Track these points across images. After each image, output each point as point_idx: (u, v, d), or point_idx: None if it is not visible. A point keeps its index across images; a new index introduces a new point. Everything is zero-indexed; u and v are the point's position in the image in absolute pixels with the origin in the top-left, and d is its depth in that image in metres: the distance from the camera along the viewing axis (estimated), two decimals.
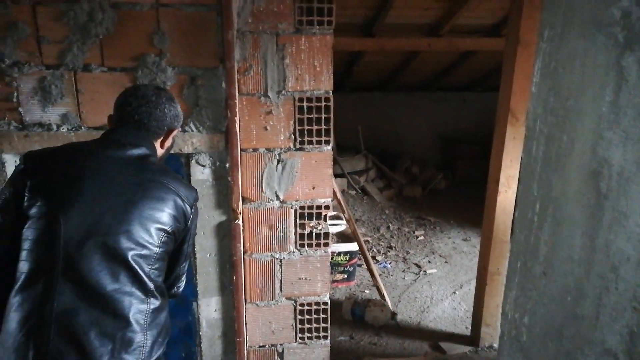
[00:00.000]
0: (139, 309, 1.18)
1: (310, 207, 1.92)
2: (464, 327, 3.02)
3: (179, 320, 2.04)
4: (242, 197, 1.87)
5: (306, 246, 1.96)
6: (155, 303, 1.22)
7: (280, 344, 2.07)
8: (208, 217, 1.88)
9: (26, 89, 1.67)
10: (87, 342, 1.13)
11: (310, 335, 2.07)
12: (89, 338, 1.13)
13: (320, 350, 2.11)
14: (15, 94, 1.67)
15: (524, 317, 0.79)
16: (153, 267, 1.22)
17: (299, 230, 1.94)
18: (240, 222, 1.87)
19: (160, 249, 1.23)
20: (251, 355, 2.06)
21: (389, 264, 3.94)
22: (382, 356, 2.63)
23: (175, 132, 1.41)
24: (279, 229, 1.93)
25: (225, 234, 1.90)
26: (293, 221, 1.93)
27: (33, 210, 1.16)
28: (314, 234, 1.95)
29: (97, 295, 1.15)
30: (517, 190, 0.79)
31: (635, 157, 0.58)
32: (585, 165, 0.67)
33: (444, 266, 3.93)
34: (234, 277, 1.92)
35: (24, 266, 1.14)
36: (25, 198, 1.17)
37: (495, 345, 2.79)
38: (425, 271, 3.81)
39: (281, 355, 2.08)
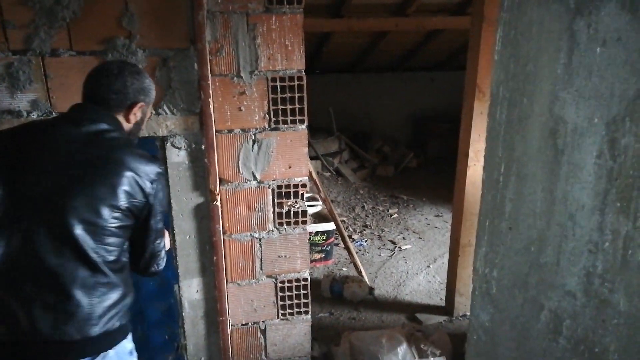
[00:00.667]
0: (83, 283, 1.22)
1: (287, 186, 1.96)
2: (438, 299, 3.13)
3: (161, 303, 2.07)
4: (220, 178, 1.88)
5: (285, 225, 2.00)
6: (103, 279, 1.24)
7: (263, 321, 2.12)
8: (186, 200, 1.89)
9: None
10: (30, 312, 1.19)
11: (291, 311, 2.13)
12: (32, 309, 1.19)
13: (302, 325, 2.17)
14: None
15: (492, 271, 0.85)
16: (103, 243, 1.23)
17: (277, 209, 1.98)
18: (218, 203, 1.89)
19: (111, 225, 1.23)
20: (234, 333, 2.10)
21: (365, 242, 4.03)
22: (361, 329, 2.71)
23: (141, 106, 1.36)
24: (257, 208, 1.96)
25: (204, 216, 1.92)
26: (271, 200, 1.97)
27: None
28: (291, 212, 1.99)
29: (41, 270, 1.20)
30: (484, 154, 0.84)
31: (586, 113, 0.64)
32: (544, 125, 0.73)
33: (417, 242, 4.04)
34: (215, 258, 1.95)
35: None
36: None
37: (469, 314, 2.91)
38: (400, 247, 3.91)
39: (264, 332, 2.13)
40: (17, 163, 1.23)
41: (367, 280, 3.24)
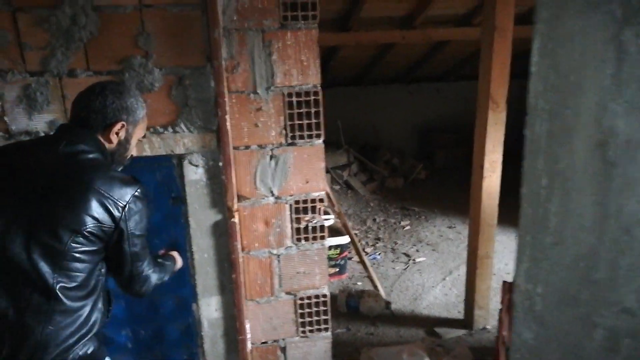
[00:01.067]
0: (37, 310, 1.18)
1: (305, 201, 1.94)
2: (456, 312, 3.08)
3: (179, 323, 2.04)
4: (237, 194, 1.87)
5: (303, 240, 1.98)
6: (61, 306, 1.19)
7: (283, 339, 2.08)
8: (204, 217, 1.88)
9: (10, 97, 1.64)
10: None
11: (311, 328, 2.09)
12: None
13: (322, 342, 2.13)
14: (0, 103, 1.63)
15: (537, 287, 0.83)
16: (63, 269, 1.19)
17: (294, 225, 1.96)
18: (236, 220, 1.87)
19: (73, 250, 1.19)
20: (254, 352, 2.07)
21: (379, 255, 3.99)
22: (380, 345, 2.67)
23: (122, 125, 1.32)
24: (275, 224, 1.94)
25: (222, 233, 1.90)
26: (288, 216, 1.95)
27: None
28: (309, 227, 1.97)
29: (1, 292, 1.18)
30: (523, 167, 0.82)
31: None
32: (591, 137, 0.70)
33: (432, 254, 3.99)
34: (233, 276, 1.92)
35: None
36: None
37: (489, 327, 2.86)
38: (414, 260, 3.87)
39: (284, 350, 2.10)
40: (0, 182, 1.24)
41: (383, 294, 3.20)
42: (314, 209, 1.95)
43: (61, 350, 1.19)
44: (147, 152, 1.76)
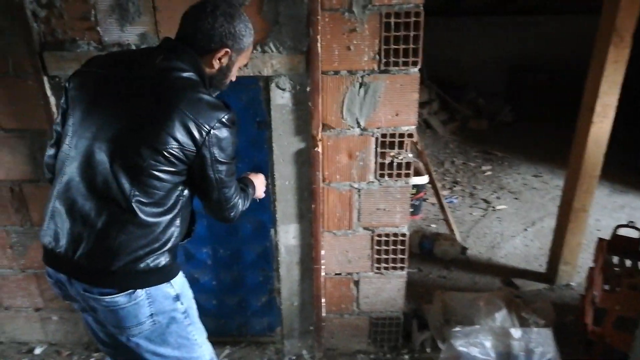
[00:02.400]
0: (112, 218, 1.18)
1: (392, 135, 1.82)
2: (537, 265, 2.91)
3: (256, 246, 2.07)
4: (322, 123, 1.78)
5: (386, 176, 1.88)
6: (135, 218, 1.18)
7: (357, 273, 2.06)
8: (287, 144, 1.82)
9: (103, 6, 1.61)
10: (68, 229, 1.21)
11: (386, 265, 2.05)
12: (71, 226, 1.21)
13: (396, 280, 2.09)
14: (93, 12, 1.62)
15: None
16: (141, 183, 1.17)
17: (379, 160, 1.86)
18: (319, 149, 1.80)
19: (152, 168, 1.16)
20: (327, 282, 2.07)
21: (456, 199, 3.83)
22: (453, 289, 2.60)
23: (226, 52, 1.26)
24: (358, 157, 1.85)
25: (304, 162, 1.85)
26: (373, 150, 1.84)
27: (68, 120, 1.26)
28: (394, 163, 1.86)
29: (83, 194, 1.20)
30: None
31: None
32: None
33: (513, 202, 3.77)
34: (313, 206, 1.88)
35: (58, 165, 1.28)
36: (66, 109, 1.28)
37: (573, 283, 2.69)
38: (494, 207, 3.67)
39: (357, 283, 2.08)
40: (98, 90, 1.23)
41: (459, 238, 3.08)
42: (401, 145, 1.83)
43: (132, 259, 1.20)
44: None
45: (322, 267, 2.01)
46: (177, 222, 1.26)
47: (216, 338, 2.23)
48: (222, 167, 1.24)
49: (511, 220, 3.48)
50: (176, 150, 1.16)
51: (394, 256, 2.03)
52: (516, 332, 2.11)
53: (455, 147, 4.99)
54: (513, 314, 2.21)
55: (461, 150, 4.90)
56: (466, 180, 4.19)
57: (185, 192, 1.27)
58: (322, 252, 1.98)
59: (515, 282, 2.72)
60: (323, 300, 2.08)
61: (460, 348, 2.13)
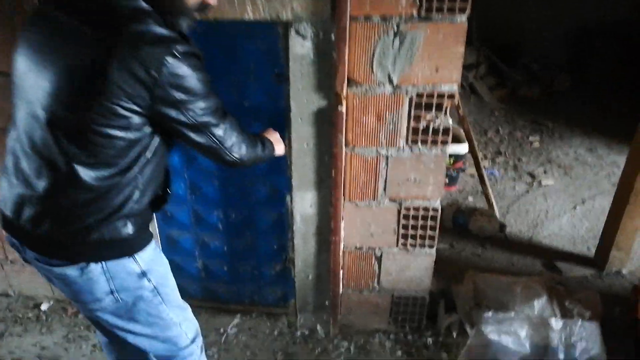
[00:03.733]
0: (56, 182, 1.03)
1: (430, 95, 1.57)
2: (584, 248, 2.63)
3: (271, 212, 1.91)
4: (348, 78, 1.55)
5: (420, 142, 1.65)
6: (79, 182, 1.01)
7: (379, 248, 1.87)
8: (307, 101, 1.61)
9: None
10: (10, 197, 1.10)
11: (413, 242, 1.84)
12: (11, 191, 1.09)
13: (423, 258, 1.88)
14: None
15: None
16: (83, 142, 1.00)
17: (412, 123, 1.62)
18: (343, 109, 1.58)
19: (93, 123, 0.97)
20: (346, 255, 1.89)
21: (497, 171, 3.53)
22: (487, 270, 2.37)
23: None
24: (388, 119, 1.62)
25: (325, 122, 1.64)
26: (406, 111, 1.61)
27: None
28: (430, 128, 1.62)
29: (22, 155, 1.07)
30: None
31: None
32: None
33: (562, 178, 3.43)
34: (333, 172, 1.68)
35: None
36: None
37: (624, 271, 2.40)
38: (539, 182, 3.36)
39: (379, 259, 1.89)
40: (42, 31, 1.04)
41: (497, 214, 2.82)
42: (439, 107, 1.59)
43: (81, 228, 1.05)
44: (249, 16, 1.48)
45: (341, 239, 1.83)
46: (138, 184, 1.08)
47: (227, 306, 2.15)
48: (195, 107, 1.04)
49: (558, 197, 3.17)
50: (124, 100, 0.96)
51: (423, 232, 1.82)
52: (556, 323, 1.89)
53: (501, 116, 4.61)
54: (554, 302, 1.97)
55: (508, 119, 4.52)
56: (511, 151, 3.85)
57: (151, 148, 1.08)
58: (342, 224, 1.80)
59: (558, 266, 2.46)
60: (341, 274, 1.91)
61: (491, 336, 1.93)
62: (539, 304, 1.97)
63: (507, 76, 5.21)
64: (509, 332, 1.93)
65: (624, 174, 2.29)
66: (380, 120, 1.62)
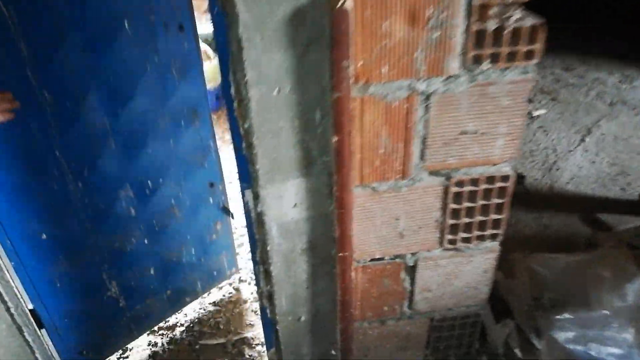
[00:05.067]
0: None
1: None
2: (617, 188, 2.08)
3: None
4: None
5: (488, 60, 0.88)
6: None
7: (412, 253, 1.12)
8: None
9: None
10: None
11: (468, 235, 1.11)
12: None
13: (482, 257, 1.17)
14: None
15: None
16: None
17: (474, 24, 0.84)
18: (348, 5, 0.76)
19: None
20: (358, 275, 1.12)
21: None
22: (522, 241, 1.74)
23: None
24: (431, 21, 0.83)
25: (312, 39, 0.81)
26: (464, 3, 0.82)
27: None
28: (503, 31, 0.85)
29: None
30: None
31: None
32: None
33: (553, 105, 2.87)
34: (335, 138, 0.87)
35: None
36: None
37: None
38: (530, 114, 2.77)
39: (411, 270, 1.15)
40: None
41: None
42: None
43: None
44: None
45: (353, 252, 1.05)
46: None
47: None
48: None
49: (558, 128, 2.60)
50: None
51: (484, 217, 1.09)
52: None
53: None
54: None
55: None
56: None
57: None
58: (354, 226, 1.01)
59: (602, 218, 1.87)
60: (351, 304, 1.15)
61: (573, 346, 1.30)
62: (635, 288, 1.35)
63: None
64: (602, 339, 1.30)
65: None
66: (415, 23, 0.83)
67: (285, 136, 0.89)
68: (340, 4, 0.75)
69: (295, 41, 0.80)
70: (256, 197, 0.98)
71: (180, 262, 1.77)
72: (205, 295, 1.92)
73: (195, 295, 1.89)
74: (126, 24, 1.35)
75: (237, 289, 1.92)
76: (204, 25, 4.04)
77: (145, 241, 1.64)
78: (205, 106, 1.63)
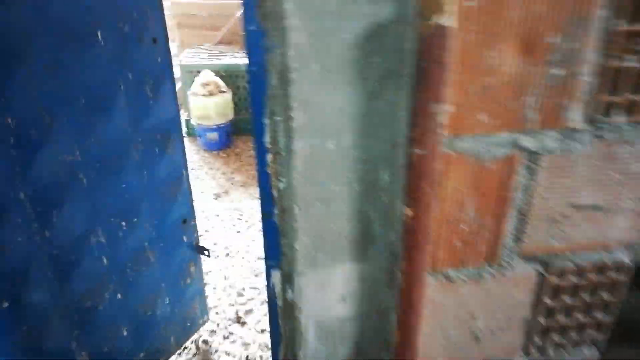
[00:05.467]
0: None
1: None
2: None
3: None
4: None
5: (621, 111, 0.63)
6: None
7: None
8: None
9: None
10: None
11: (562, 339, 0.83)
12: None
13: None
14: None
15: None
16: None
17: (609, 63, 0.60)
18: (452, 21, 0.52)
19: None
20: None
21: None
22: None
23: None
24: (553, 54, 0.59)
25: (390, 72, 0.56)
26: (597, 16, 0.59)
27: None
28: None
29: None
30: None
31: None
32: None
33: None
34: (405, 211, 0.61)
35: None
36: None
37: None
38: None
39: None
40: None
41: None
42: None
43: None
44: None
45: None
46: None
47: None
48: None
49: None
50: None
51: (585, 319, 0.82)
52: None
53: None
54: None
55: None
56: None
57: None
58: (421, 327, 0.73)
59: None
60: None
61: None
62: None
63: None
64: None
65: None
66: (530, 55, 0.59)
67: (339, 205, 0.63)
68: (437, 19, 0.51)
69: (366, 73, 0.56)
70: (288, 281, 0.71)
71: (154, 316, 1.53)
72: (180, 350, 1.70)
73: (169, 354, 1.65)
74: (99, 35, 1.14)
75: (205, 342, 1.72)
76: (219, 57, 3.88)
77: (119, 295, 1.38)
78: (178, 129, 1.46)
